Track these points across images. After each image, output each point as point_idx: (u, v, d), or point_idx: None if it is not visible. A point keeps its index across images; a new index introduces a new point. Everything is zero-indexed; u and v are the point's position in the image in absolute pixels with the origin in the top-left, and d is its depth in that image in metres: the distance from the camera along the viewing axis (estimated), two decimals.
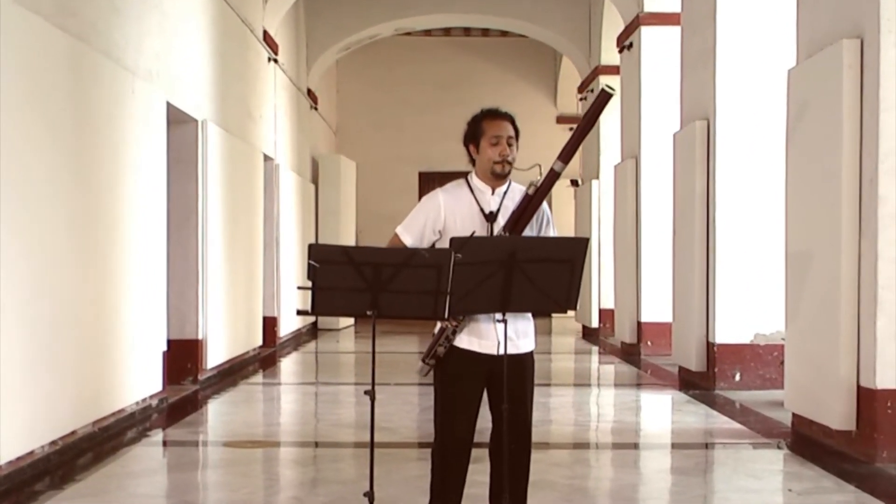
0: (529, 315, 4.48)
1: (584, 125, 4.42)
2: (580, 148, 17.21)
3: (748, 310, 10.19)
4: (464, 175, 4.60)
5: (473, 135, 4.53)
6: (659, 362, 12.97)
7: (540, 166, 4.39)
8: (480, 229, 4.42)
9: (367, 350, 14.51)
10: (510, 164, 4.47)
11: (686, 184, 10.93)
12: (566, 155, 4.37)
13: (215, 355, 11.16)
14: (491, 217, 4.45)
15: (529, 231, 4.43)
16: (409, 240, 4.50)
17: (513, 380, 4.30)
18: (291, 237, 16.40)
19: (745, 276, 10.22)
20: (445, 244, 4.40)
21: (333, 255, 4.12)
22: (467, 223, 4.44)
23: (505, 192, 4.52)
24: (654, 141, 13.67)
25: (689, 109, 11.18)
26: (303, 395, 11.17)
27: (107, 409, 7.86)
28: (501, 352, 4.36)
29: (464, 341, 4.42)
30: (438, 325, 4.45)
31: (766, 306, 10.03)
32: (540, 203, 4.39)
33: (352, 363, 14.67)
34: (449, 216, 4.48)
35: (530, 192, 4.37)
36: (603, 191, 16.97)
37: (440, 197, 4.53)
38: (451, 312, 4.11)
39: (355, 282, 4.04)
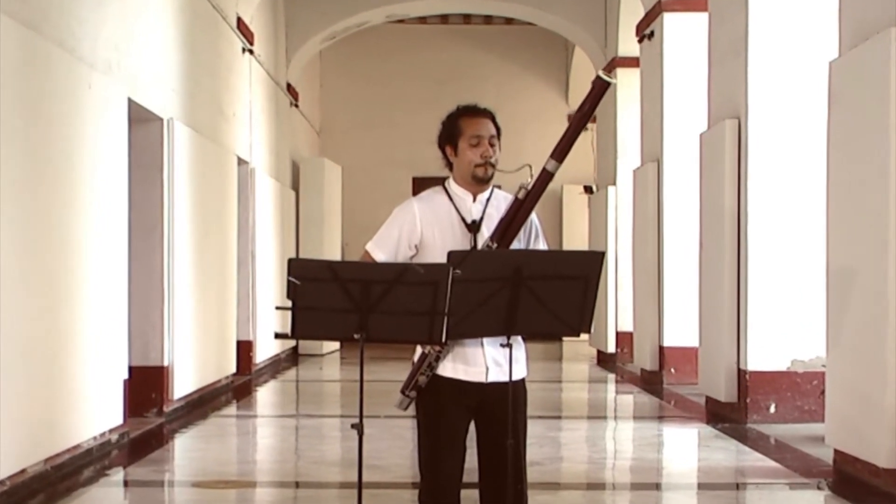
0: (520, 338, 4.45)
1: (579, 119, 4.39)
2: (594, 152, 17.01)
3: (784, 333, 10.19)
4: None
5: (450, 135, 4.50)
6: (684, 392, 12.96)
7: (531, 167, 4.38)
8: (462, 241, 4.40)
9: (354, 378, 14.46)
10: (493, 166, 4.46)
11: (714, 190, 10.93)
12: (560, 153, 4.35)
13: (183, 384, 11.15)
14: (473, 227, 4.44)
15: (517, 244, 4.41)
16: (381, 257, 4.46)
17: (503, 411, 4.29)
18: (269, 251, 16.40)
19: (781, 294, 10.22)
20: (423, 259, 4.39)
21: (316, 271, 4.12)
22: (447, 235, 4.42)
23: (488, 199, 4.50)
24: (678, 142, 13.68)
25: (718, 107, 11.20)
26: (282, 428, 11.15)
27: (60, 444, 7.84)
28: (490, 379, 4.36)
29: (448, 369, 4.39)
30: (418, 351, 4.44)
31: (804, 329, 10.03)
32: (532, 208, 4.38)
33: (337, 393, 14.65)
34: (426, 228, 4.45)
35: (520, 195, 4.35)
36: (620, 198, 16.98)
37: (415, 207, 4.50)
38: (450, 336, 4.10)
39: (341, 301, 4.04)
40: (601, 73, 4.37)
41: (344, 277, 4.05)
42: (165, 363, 10.68)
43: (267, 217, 16.27)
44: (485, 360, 4.38)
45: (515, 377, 4.37)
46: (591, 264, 4.15)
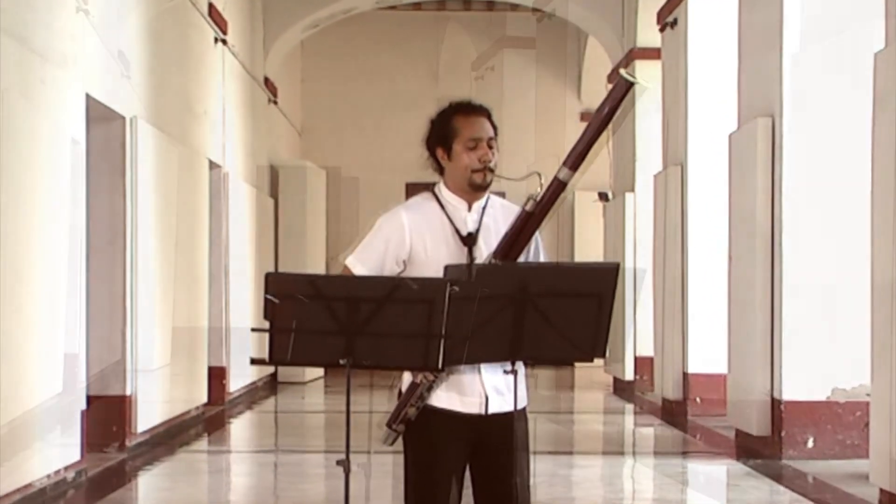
0: (520, 362, 4.43)
1: (598, 124, 4.34)
2: (610, 155, 16.94)
3: (824, 358, 10.17)
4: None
5: (443, 137, 4.49)
6: (710, 424, 12.95)
7: (540, 175, 4.35)
8: (456, 256, 4.37)
9: (340, 409, 14.44)
10: (492, 171, 4.44)
11: (745, 197, 10.93)
12: (574, 160, 4.32)
13: (147, 416, 11.13)
14: (469, 239, 4.43)
15: (521, 260, 4.41)
16: (363, 273, 4.43)
17: (505, 446, 4.27)
18: (244, 265, 16.38)
19: (821, 315, 10.20)
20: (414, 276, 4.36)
21: (296, 287, 4.12)
22: (440, 249, 4.40)
23: (484, 208, 4.49)
24: (704, 144, 13.68)
25: (749, 104, 11.20)
26: (259, 465, 11.14)
27: (10, 484, 7.82)
28: (491, 410, 4.34)
29: (441, 399, 4.37)
30: (405, 378, 4.41)
31: (846, 354, 10.01)
32: (541, 222, 4.35)
33: (321, 425, 14.64)
34: (416, 240, 4.42)
35: (528, 207, 4.32)
36: (640, 207, 16.98)
37: (403, 216, 4.47)
38: (447, 361, 4.08)
39: (324, 322, 4.03)
40: (623, 72, 4.34)
41: (328, 294, 4.05)
42: (128, 392, 10.65)
43: (242, 228, 16.26)
44: (483, 389, 4.35)
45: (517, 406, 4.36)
46: (604, 279, 4.14)
